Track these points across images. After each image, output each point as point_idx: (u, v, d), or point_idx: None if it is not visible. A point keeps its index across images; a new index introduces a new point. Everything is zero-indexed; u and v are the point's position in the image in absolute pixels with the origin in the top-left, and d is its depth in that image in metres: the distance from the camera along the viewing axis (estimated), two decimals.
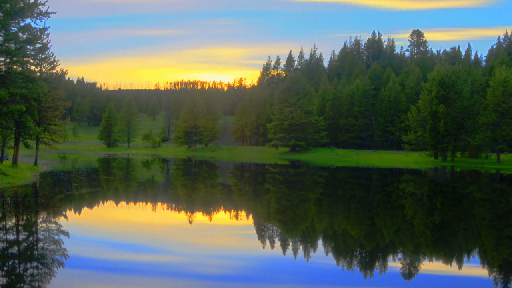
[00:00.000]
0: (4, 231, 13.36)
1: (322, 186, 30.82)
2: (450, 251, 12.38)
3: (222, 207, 20.63)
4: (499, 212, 19.45)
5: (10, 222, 14.86)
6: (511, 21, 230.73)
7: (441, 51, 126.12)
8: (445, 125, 59.02)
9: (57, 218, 16.08)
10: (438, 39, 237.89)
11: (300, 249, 12.44)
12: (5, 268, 9.82)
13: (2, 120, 27.79)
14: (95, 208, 19.32)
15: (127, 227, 15.48)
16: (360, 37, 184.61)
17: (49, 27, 30.82)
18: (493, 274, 10.39)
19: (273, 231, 14.98)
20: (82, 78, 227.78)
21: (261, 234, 14.52)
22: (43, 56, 33.81)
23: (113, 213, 18.05)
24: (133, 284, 9.09)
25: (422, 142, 65.25)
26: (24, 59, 29.63)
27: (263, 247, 12.53)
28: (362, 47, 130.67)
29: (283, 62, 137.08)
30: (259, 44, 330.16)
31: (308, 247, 12.68)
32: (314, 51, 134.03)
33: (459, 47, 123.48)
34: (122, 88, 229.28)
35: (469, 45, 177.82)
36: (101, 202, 21.06)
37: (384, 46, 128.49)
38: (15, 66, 28.62)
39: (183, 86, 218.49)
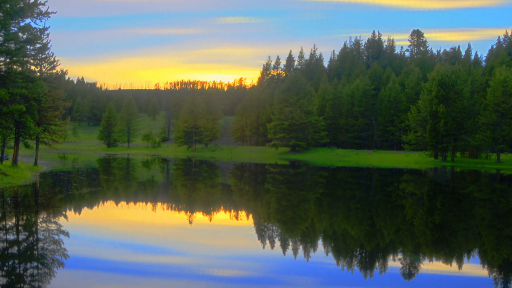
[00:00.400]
0: (4, 231, 13.37)
1: (322, 186, 30.82)
2: (450, 251, 12.38)
3: (222, 207, 20.63)
4: (499, 212, 19.45)
5: (10, 222, 14.85)
6: (511, 21, 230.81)
7: (441, 51, 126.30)
8: (445, 125, 59.02)
9: (57, 218, 16.08)
10: (438, 39, 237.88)
11: (300, 249, 12.44)
12: (5, 268, 9.82)
13: (2, 120, 27.80)
14: (95, 208, 19.32)
15: (127, 227, 15.48)
16: (360, 37, 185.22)
17: (49, 27, 30.85)
18: (493, 274, 10.39)
19: (273, 231, 14.98)
20: (82, 78, 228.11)
21: (261, 234, 14.52)
22: (43, 56, 33.81)
23: (113, 213, 18.05)
24: (132, 284, 9.09)
25: (422, 142, 65.26)
26: (24, 59, 29.63)
27: (263, 247, 12.53)
28: (362, 47, 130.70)
29: (283, 62, 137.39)
30: (259, 44, 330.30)
31: (308, 247, 12.68)
32: (314, 51, 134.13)
33: (459, 47, 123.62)
34: (122, 88, 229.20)
35: (469, 45, 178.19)
36: (101, 202, 21.06)
37: (384, 46, 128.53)
38: (15, 66, 28.62)
39: (183, 86, 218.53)
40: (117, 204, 20.49)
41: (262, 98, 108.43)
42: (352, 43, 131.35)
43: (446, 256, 11.79)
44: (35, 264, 10.29)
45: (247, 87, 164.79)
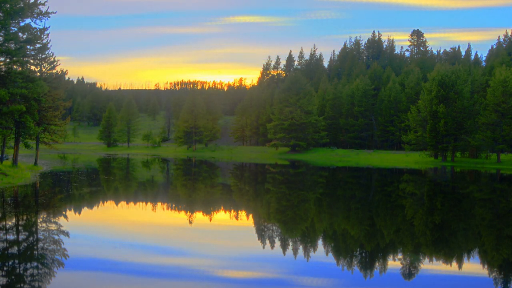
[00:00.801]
0: (4, 231, 13.37)
1: (322, 186, 30.82)
2: (450, 251, 12.38)
3: (222, 207, 20.64)
4: (499, 212, 19.45)
5: (10, 222, 14.86)
6: (511, 21, 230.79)
7: (441, 51, 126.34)
8: (445, 125, 59.02)
9: (57, 218, 16.08)
10: (438, 39, 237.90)
11: (300, 249, 12.44)
12: (5, 268, 9.82)
13: (2, 120, 27.80)
14: (95, 208, 19.32)
15: (127, 227, 15.48)
16: (360, 37, 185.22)
17: (49, 27, 30.87)
18: (493, 274, 10.39)
19: (273, 231, 14.98)
20: (82, 78, 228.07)
21: (261, 234, 14.52)
22: (43, 56, 33.82)
23: (113, 213, 18.05)
24: (132, 284, 9.09)
25: (422, 142, 65.26)
26: (24, 59, 29.64)
27: (263, 247, 12.54)
28: (362, 47, 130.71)
29: (283, 62, 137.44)
30: (259, 44, 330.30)
31: (308, 247, 12.68)
32: (314, 51, 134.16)
33: (459, 47, 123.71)
34: (122, 88, 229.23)
35: (469, 45, 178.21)
36: (101, 202, 21.07)
37: (384, 46, 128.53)
38: (15, 66, 28.63)
39: (183, 86, 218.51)
40: (117, 204, 20.49)
41: (262, 98, 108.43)
42: (352, 43, 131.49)
43: (446, 256, 11.79)
44: (35, 264, 10.29)
45: (247, 87, 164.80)
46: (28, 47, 29.79)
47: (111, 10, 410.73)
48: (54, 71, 37.51)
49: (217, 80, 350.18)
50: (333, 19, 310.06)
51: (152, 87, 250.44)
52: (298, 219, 17.15)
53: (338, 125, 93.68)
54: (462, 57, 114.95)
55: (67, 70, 41.23)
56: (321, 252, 12.34)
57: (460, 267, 10.89)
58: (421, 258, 11.67)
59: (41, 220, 15.69)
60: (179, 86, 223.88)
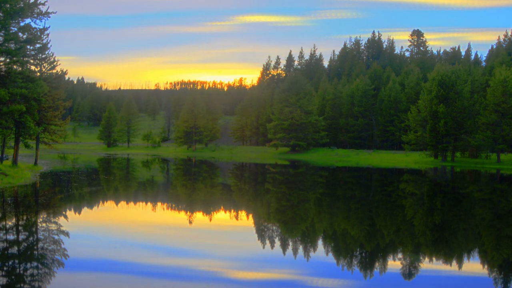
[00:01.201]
0: (4, 231, 13.37)
1: (322, 186, 30.82)
2: (450, 251, 12.38)
3: (222, 207, 20.64)
4: (499, 212, 19.45)
5: (10, 222, 14.86)
6: (511, 21, 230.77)
7: (441, 51, 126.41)
8: (445, 125, 59.02)
9: (57, 218, 16.08)
10: (438, 39, 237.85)
11: (300, 249, 12.44)
12: (5, 268, 9.82)
13: (2, 120, 27.80)
14: (95, 208, 19.32)
15: (127, 227, 15.48)
16: (360, 37, 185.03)
17: (49, 27, 30.90)
18: (493, 274, 10.39)
19: (273, 231, 14.98)
20: (82, 78, 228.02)
21: (261, 234, 14.52)
22: (43, 56, 33.84)
23: (113, 213, 18.05)
24: (132, 284, 9.08)
25: (422, 142, 65.25)
26: (24, 59, 29.65)
27: (263, 247, 12.54)
28: (362, 47, 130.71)
29: (283, 62, 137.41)
30: (259, 44, 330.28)
31: (308, 247, 12.68)
32: (314, 51, 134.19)
33: (459, 47, 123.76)
34: (122, 88, 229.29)
35: (469, 45, 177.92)
36: (101, 202, 21.06)
37: (384, 46, 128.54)
38: (15, 66, 28.62)
39: (183, 86, 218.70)
40: (117, 204, 20.49)
41: (262, 98, 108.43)
42: (352, 43, 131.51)
43: (446, 256, 11.79)
44: (35, 264, 10.29)
45: (247, 87, 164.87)
46: (28, 47, 29.80)
47: (111, 10, 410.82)
48: (54, 71, 37.54)
49: (217, 80, 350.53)
50: (333, 19, 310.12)
51: (152, 87, 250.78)
52: (298, 219, 17.15)
53: (338, 125, 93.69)
54: (462, 57, 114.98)
55: (67, 70, 41.30)
56: (321, 252, 12.34)
57: (460, 267, 10.89)
58: (421, 258, 11.67)
59: (41, 220, 15.69)
60: (179, 86, 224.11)
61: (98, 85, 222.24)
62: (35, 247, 11.87)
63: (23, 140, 35.66)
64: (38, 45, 30.71)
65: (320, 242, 13.74)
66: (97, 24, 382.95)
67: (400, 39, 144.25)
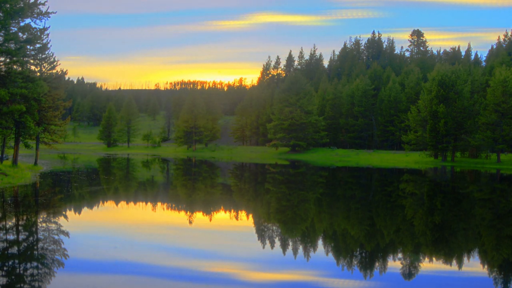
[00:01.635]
0: (4, 231, 13.37)
1: (322, 186, 30.82)
2: (450, 251, 12.38)
3: (222, 207, 20.64)
4: (499, 212, 19.45)
5: (10, 222, 14.86)
6: (511, 21, 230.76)
7: (441, 51, 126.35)
8: (445, 125, 59.03)
9: (57, 218, 16.09)
10: (438, 39, 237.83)
11: (300, 249, 12.45)
12: (5, 268, 9.82)
13: (2, 120, 27.80)
14: (95, 208, 19.32)
15: (127, 227, 15.48)
16: (360, 37, 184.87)
17: (49, 27, 30.90)
18: (493, 274, 10.39)
19: (273, 231, 14.98)
20: (82, 78, 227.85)
21: (261, 234, 14.53)
22: (43, 56, 33.85)
23: (113, 213, 18.05)
24: (132, 284, 9.08)
25: (422, 142, 65.25)
26: (24, 59, 29.64)
27: (263, 247, 12.54)
28: (362, 47, 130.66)
29: (283, 62, 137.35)
30: (259, 44, 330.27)
31: (308, 247, 12.68)
32: (314, 51, 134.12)
33: (459, 47, 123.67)
34: (122, 88, 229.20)
35: (469, 45, 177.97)
36: (101, 202, 21.06)
37: (384, 46, 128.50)
38: (15, 66, 28.62)
39: (183, 86, 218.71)
40: (117, 204, 20.49)
41: (262, 98, 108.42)
42: (352, 43, 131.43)
43: (446, 256, 11.79)
44: (35, 264, 10.29)
45: (247, 87, 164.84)
46: (28, 47, 29.79)
47: (111, 9, 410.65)
48: (54, 71, 37.54)
49: (217, 80, 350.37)
50: (333, 19, 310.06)
51: (152, 87, 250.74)
52: (298, 219, 17.16)
53: (338, 125, 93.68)
54: (462, 57, 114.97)
55: (67, 70, 41.26)
56: (321, 252, 12.34)
57: (460, 267, 10.89)
58: (421, 258, 11.67)
59: (41, 220, 15.69)
60: (179, 86, 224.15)
61: (98, 85, 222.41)
62: (35, 247, 11.87)
63: (23, 140, 35.65)
64: (38, 45, 30.71)
65: (320, 242, 13.75)
66: (97, 24, 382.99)
67: (400, 39, 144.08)
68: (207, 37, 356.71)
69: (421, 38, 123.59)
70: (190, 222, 16.38)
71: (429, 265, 11.00)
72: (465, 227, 16.22)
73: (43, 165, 41.25)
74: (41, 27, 30.06)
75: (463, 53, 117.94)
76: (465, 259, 11.82)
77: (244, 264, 10.89)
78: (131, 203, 20.96)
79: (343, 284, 9.47)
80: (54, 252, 11.35)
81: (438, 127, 59.31)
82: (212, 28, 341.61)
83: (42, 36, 30.44)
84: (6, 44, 27.04)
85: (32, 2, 27.75)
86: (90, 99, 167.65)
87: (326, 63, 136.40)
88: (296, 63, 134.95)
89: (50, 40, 32.42)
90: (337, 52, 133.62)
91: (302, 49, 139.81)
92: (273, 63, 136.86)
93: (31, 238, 12.89)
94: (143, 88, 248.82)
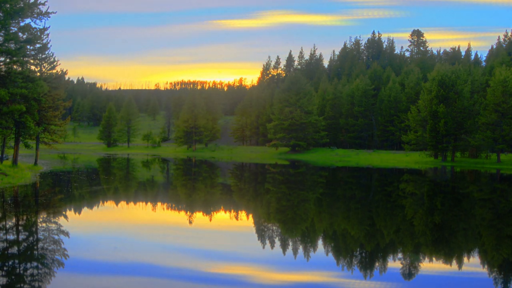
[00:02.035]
0: (4, 231, 13.37)
1: (322, 186, 30.82)
2: (450, 251, 12.38)
3: (222, 207, 20.64)
4: (499, 212, 19.45)
5: (10, 222, 14.86)
6: (511, 21, 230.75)
7: (441, 51, 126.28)
8: (445, 125, 59.02)
9: (57, 218, 16.08)
10: (438, 39, 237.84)
11: (300, 249, 12.45)
12: (5, 268, 9.82)
13: (2, 120, 27.80)
14: (95, 208, 19.32)
15: (127, 227, 15.48)
16: (360, 37, 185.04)
17: (49, 27, 30.92)
18: (493, 274, 10.39)
19: (273, 231, 14.98)
20: (82, 78, 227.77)
21: (261, 234, 14.53)
22: (43, 56, 33.86)
23: (113, 213, 18.05)
24: (132, 284, 9.08)
25: (422, 142, 65.24)
26: (24, 59, 29.65)
27: (263, 247, 12.54)
28: (362, 47, 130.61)
29: (283, 62, 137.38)
30: (259, 44, 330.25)
31: (308, 247, 12.68)
32: (314, 51, 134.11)
33: (459, 47, 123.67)
34: (122, 88, 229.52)
35: (469, 45, 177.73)
36: (101, 202, 21.06)
37: (384, 46, 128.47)
38: (15, 66, 28.63)
39: (183, 86, 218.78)
40: (117, 204, 20.49)
41: (262, 98, 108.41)
42: (352, 43, 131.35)
43: (446, 256, 11.79)
44: (35, 264, 10.29)
45: (247, 87, 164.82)
46: (28, 47, 29.80)
47: (111, 9, 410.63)
48: (54, 71, 37.55)
49: (217, 80, 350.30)
50: (333, 19, 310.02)
51: (152, 87, 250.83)
52: (298, 219, 17.16)
53: (338, 125, 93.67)
54: (462, 57, 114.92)
55: (67, 70, 41.30)
56: (321, 252, 12.34)
57: (460, 267, 10.89)
58: (421, 258, 11.67)
59: (41, 220, 15.69)
60: (179, 86, 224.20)
61: (98, 85, 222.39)
62: (35, 247, 11.87)
63: (23, 140, 35.65)
64: (38, 45, 30.72)
65: (320, 242, 13.75)
66: (97, 24, 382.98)
67: (400, 39, 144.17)
68: (207, 37, 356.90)
69: (421, 38, 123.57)
70: (190, 222, 16.39)
71: (429, 265, 11.01)
72: (465, 227, 16.22)
73: (43, 165, 41.25)
74: (41, 27, 30.12)
75: (463, 53, 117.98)
76: (465, 259, 11.82)
77: (244, 264, 10.89)
78: (131, 203, 20.96)
79: (343, 284, 9.47)
80: (54, 252, 11.35)
81: (438, 127, 59.31)
82: (212, 28, 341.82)
83: (42, 36, 30.45)
84: (6, 44, 27.05)
85: (32, 2, 27.75)
86: (90, 99, 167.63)
87: (326, 63, 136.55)
88: (296, 63, 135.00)
89: (50, 40, 32.47)
90: (337, 52, 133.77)
91: (302, 49, 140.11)
92: (273, 63, 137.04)
93: (31, 238, 12.89)
94: (143, 88, 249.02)
